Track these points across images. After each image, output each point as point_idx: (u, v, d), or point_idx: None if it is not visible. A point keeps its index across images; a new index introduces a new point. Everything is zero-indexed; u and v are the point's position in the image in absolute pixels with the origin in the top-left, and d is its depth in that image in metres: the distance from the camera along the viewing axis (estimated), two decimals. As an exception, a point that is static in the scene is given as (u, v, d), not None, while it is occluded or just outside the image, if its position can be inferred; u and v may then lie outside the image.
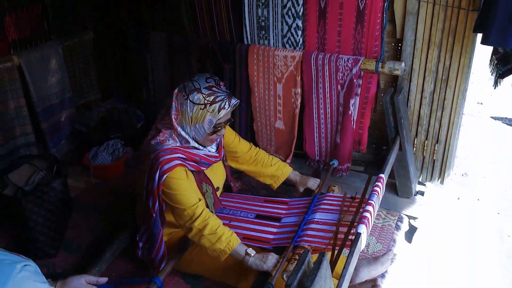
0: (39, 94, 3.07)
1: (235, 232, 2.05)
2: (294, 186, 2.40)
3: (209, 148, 2.10)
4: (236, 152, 2.35)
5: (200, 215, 1.91)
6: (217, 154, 2.13)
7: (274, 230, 2.12)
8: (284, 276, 1.76)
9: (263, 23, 2.79)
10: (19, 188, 2.36)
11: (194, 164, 2.01)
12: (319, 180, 2.38)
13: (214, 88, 1.93)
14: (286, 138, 3.02)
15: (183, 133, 1.97)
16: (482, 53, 2.84)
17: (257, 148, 2.42)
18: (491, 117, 4.19)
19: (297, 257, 1.83)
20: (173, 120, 1.95)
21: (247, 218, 2.21)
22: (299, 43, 2.75)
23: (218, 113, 1.93)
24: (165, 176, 1.89)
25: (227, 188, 2.44)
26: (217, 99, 1.92)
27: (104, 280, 1.47)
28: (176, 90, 1.97)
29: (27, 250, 2.34)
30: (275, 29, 2.77)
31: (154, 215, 2.01)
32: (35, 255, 2.26)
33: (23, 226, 2.33)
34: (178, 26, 3.18)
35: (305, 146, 2.98)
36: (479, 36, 2.29)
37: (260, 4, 2.73)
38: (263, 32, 2.82)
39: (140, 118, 3.54)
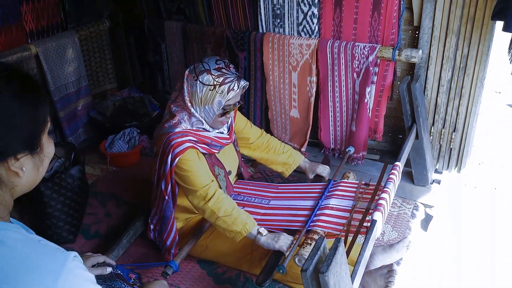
0: (56, 83, 3.10)
1: None
2: (304, 173, 2.41)
3: (220, 130, 2.11)
4: (248, 138, 2.37)
5: (213, 196, 1.94)
6: (228, 136, 2.14)
7: (287, 217, 2.12)
8: (296, 260, 1.76)
9: (278, 11, 2.78)
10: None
11: (205, 146, 2.03)
12: (328, 167, 2.39)
13: (223, 70, 1.94)
14: (301, 127, 3.01)
15: (196, 114, 1.99)
16: (501, 41, 2.80)
17: (268, 134, 2.43)
18: (508, 105, 4.13)
19: (309, 241, 1.83)
20: (187, 102, 1.97)
21: (261, 204, 2.22)
22: (315, 31, 2.73)
23: (227, 94, 1.94)
24: (177, 159, 1.92)
25: (240, 176, 2.45)
26: (226, 81, 1.92)
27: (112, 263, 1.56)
28: (187, 72, 1.98)
29: (45, 236, 2.35)
30: (291, 17, 2.75)
31: (166, 197, 2.04)
32: (54, 241, 2.30)
33: (42, 212, 2.37)
34: (193, 15, 3.18)
35: (320, 134, 2.97)
36: (498, 23, 2.25)
37: (276, -8, 2.73)
38: (278, 20, 2.81)
39: (155, 107, 3.56)
